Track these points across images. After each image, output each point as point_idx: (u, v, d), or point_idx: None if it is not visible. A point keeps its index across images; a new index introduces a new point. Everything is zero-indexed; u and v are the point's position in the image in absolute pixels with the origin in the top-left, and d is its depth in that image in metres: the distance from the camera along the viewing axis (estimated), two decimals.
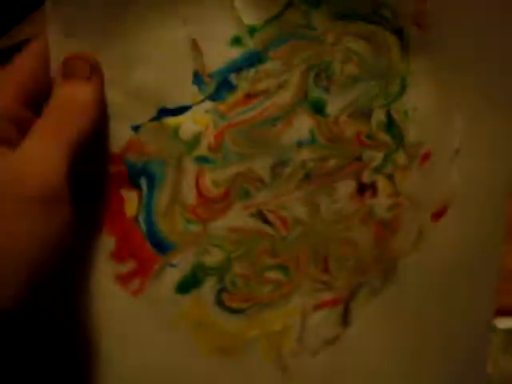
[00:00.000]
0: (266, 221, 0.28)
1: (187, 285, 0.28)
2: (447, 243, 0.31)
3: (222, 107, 0.27)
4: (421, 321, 0.31)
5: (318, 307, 0.30)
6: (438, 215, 0.31)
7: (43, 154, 0.23)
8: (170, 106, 0.27)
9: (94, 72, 0.25)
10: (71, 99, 0.25)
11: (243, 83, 0.27)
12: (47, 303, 0.25)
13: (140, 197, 0.27)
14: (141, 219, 0.27)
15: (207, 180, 0.27)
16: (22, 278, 0.21)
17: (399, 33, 0.28)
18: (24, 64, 0.25)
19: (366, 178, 0.29)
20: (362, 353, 0.31)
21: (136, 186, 0.27)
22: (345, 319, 0.31)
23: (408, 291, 0.31)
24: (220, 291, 0.28)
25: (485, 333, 0.33)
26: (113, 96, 0.26)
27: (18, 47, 0.26)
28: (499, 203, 0.31)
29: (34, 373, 0.26)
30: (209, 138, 0.27)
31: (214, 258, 0.28)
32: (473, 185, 0.31)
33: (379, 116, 0.29)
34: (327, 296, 0.30)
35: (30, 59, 0.25)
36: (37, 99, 0.25)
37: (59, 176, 0.23)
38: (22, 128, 0.24)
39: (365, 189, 0.30)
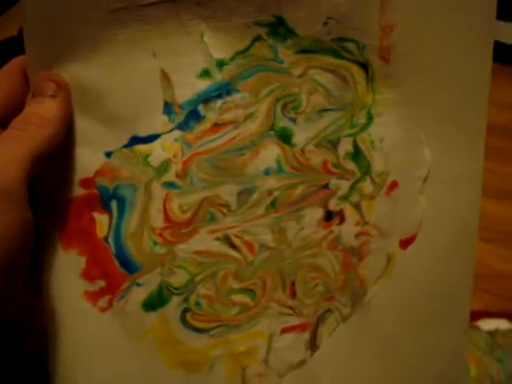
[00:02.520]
0: (231, 245, 0.30)
1: (153, 303, 0.30)
2: (417, 270, 0.32)
3: (189, 136, 0.29)
4: (390, 347, 0.32)
5: (284, 331, 0.31)
6: (406, 243, 0.32)
7: (1, 159, 0.25)
8: (142, 134, 0.29)
9: (60, 91, 0.27)
10: (35, 114, 0.27)
11: (211, 113, 0.29)
12: (17, 317, 0.27)
13: (111, 219, 0.29)
14: (110, 240, 0.29)
15: (174, 205, 0.29)
16: None
17: (364, 66, 0.29)
18: (0, 83, 0.28)
19: (333, 205, 0.31)
20: (329, 378, 0.32)
21: (107, 208, 0.29)
22: (312, 344, 0.32)
23: (377, 318, 0.32)
24: (184, 311, 0.30)
25: (458, 356, 0.33)
26: (87, 123, 0.28)
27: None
28: (468, 229, 0.32)
29: None
30: (177, 165, 0.29)
31: (179, 279, 0.30)
32: (441, 212, 0.32)
33: (346, 146, 0.30)
34: (294, 321, 0.31)
35: (7, 79, 0.28)
36: (11, 117, 0.28)
37: (15, 178, 0.25)
38: None
39: (332, 216, 0.31)
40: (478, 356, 0.43)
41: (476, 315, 0.47)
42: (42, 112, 0.27)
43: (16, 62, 0.29)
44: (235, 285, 0.30)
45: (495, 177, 0.62)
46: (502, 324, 0.47)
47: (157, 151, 0.29)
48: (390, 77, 0.30)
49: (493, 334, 0.45)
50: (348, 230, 0.31)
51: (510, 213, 0.60)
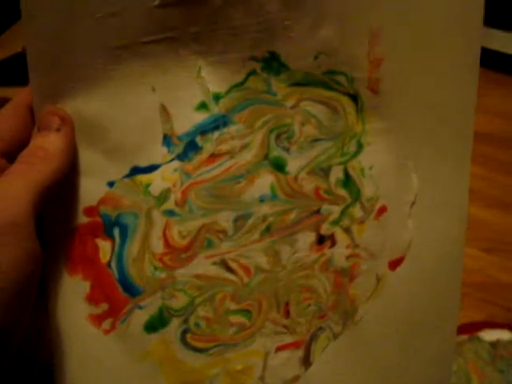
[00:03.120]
0: (228, 269, 0.32)
1: (154, 325, 0.31)
2: (405, 290, 0.34)
3: (188, 166, 0.30)
4: (381, 364, 0.34)
5: (279, 349, 0.33)
6: (395, 264, 0.33)
7: (8, 191, 0.27)
8: (142, 164, 0.30)
9: (64, 125, 0.29)
10: (41, 147, 0.28)
11: (208, 145, 0.30)
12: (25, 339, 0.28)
13: (113, 245, 0.31)
14: (113, 265, 0.31)
15: (174, 231, 0.31)
16: None
17: (354, 97, 0.31)
18: (7, 117, 0.29)
19: (325, 230, 0.32)
20: None
21: (110, 235, 0.30)
22: (306, 361, 0.33)
23: (368, 335, 0.34)
24: (184, 332, 0.32)
25: (447, 373, 0.35)
26: (91, 154, 0.30)
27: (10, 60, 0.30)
28: (456, 250, 0.34)
29: None
30: (176, 194, 0.31)
31: (179, 301, 0.31)
32: (428, 234, 0.33)
33: (337, 173, 0.32)
34: (289, 339, 0.33)
35: (14, 113, 0.30)
36: (18, 151, 0.29)
37: (23, 211, 0.26)
38: None
39: (324, 240, 0.32)
40: (480, 366, 0.44)
41: (478, 326, 0.48)
42: (47, 146, 0.28)
43: (23, 96, 0.30)
44: (232, 306, 0.32)
45: (498, 188, 0.64)
46: (504, 335, 0.48)
47: (157, 181, 0.30)
48: (378, 107, 0.31)
49: (495, 344, 0.46)
50: (339, 253, 0.33)
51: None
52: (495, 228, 0.59)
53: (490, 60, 0.71)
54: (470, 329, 0.48)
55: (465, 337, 0.46)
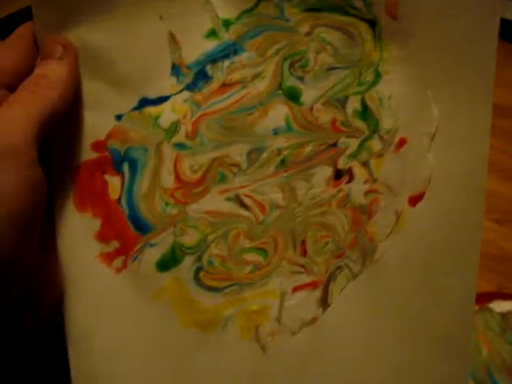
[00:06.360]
0: (242, 205, 0.31)
1: (166, 263, 0.31)
2: (426, 227, 0.33)
3: (198, 97, 0.30)
4: (400, 303, 0.33)
5: (296, 289, 0.32)
6: (415, 200, 0.32)
7: (9, 117, 0.26)
8: (151, 96, 0.30)
9: (67, 53, 0.28)
10: (43, 76, 0.28)
11: (219, 74, 0.29)
12: (32, 280, 0.28)
13: (123, 181, 0.30)
14: (123, 202, 0.30)
15: (185, 165, 0.30)
16: None
17: (372, 23, 0.30)
18: (11, 49, 0.29)
19: (342, 164, 0.31)
20: (341, 334, 0.33)
21: (119, 170, 0.30)
22: (323, 301, 0.33)
23: (387, 274, 0.33)
24: (198, 270, 0.31)
25: (467, 315, 0.34)
26: (97, 86, 0.29)
27: (15, 17, 0.29)
28: (477, 186, 0.33)
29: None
30: (187, 126, 0.30)
31: (191, 238, 0.31)
32: (449, 169, 0.32)
33: (354, 104, 0.31)
34: (306, 279, 0.32)
35: (17, 45, 0.29)
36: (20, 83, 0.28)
37: (23, 137, 0.26)
38: None
39: (341, 174, 0.32)
40: (489, 337, 0.44)
41: (488, 297, 0.48)
42: (49, 73, 0.28)
43: (26, 28, 0.29)
44: (247, 244, 0.31)
45: (504, 157, 0.62)
46: None
47: (166, 113, 0.30)
48: (397, 34, 0.30)
49: (505, 315, 0.46)
50: (357, 188, 0.32)
51: None
52: (509, 200, 0.58)
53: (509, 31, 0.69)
54: (480, 299, 0.47)
55: (476, 307, 0.46)
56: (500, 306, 0.46)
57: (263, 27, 0.30)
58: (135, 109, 0.30)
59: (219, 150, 0.30)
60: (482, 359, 0.44)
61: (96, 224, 0.30)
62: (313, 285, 0.33)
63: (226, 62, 0.30)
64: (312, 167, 0.31)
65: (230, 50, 0.29)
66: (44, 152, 0.28)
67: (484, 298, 0.48)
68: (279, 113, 0.30)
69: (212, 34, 0.29)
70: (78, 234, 0.30)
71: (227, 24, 0.29)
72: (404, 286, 0.33)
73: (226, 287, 0.32)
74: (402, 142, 0.32)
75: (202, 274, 0.31)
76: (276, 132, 0.31)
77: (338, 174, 0.32)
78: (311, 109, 0.31)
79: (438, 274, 0.33)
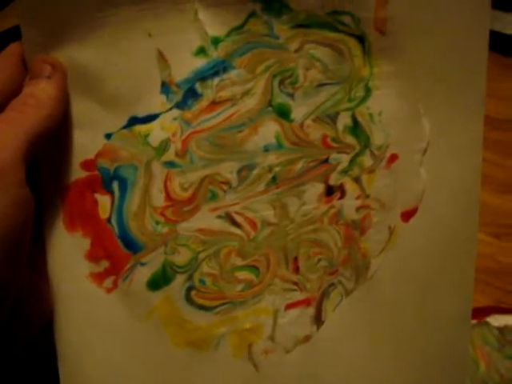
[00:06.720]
0: (233, 222, 0.31)
1: (157, 282, 0.30)
2: (420, 242, 0.33)
3: (188, 115, 0.30)
4: (395, 320, 0.33)
5: (289, 306, 0.32)
6: (408, 215, 0.32)
7: None
8: (140, 114, 0.29)
9: (56, 72, 0.28)
10: (31, 95, 0.28)
11: (208, 91, 0.29)
12: (22, 300, 0.28)
13: (113, 200, 0.30)
14: (113, 221, 0.30)
15: (175, 183, 0.30)
16: None
17: (361, 38, 0.30)
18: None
19: (334, 180, 0.31)
20: (336, 352, 0.33)
21: (109, 189, 0.30)
22: (317, 319, 0.32)
23: (381, 291, 0.33)
24: (189, 289, 0.31)
25: (463, 331, 0.34)
26: (86, 105, 0.29)
27: (3, 36, 0.29)
28: (470, 199, 0.33)
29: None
30: (176, 144, 0.30)
31: (182, 257, 0.30)
32: (442, 183, 0.32)
33: (345, 120, 0.31)
34: (299, 296, 0.32)
35: (6, 64, 0.29)
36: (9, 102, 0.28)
37: (11, 157, 0.25)
38: None
39: (333, 191, 0.31)
40: (487, 352, 0.44)
41: (486, 311, 0.48)
42: (38, 93, 0.28)
43: (14, 47, 0.29)
44: (239, 262, 0.31)
45: (499, 170, 0.62)
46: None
47: (156, 131, 0.30)
48: (386, 49, 0.30)
49: (502, 330, 0.46)
50: (349, 204, 0.32)
51: None
52: (506, 214, 0.58)
53: (502, 44, 0.70)
54: (478, 314, 0.47)
55: (473, 322, 0.46)
56: (498, 321, 0.46)
57: (252, 44, 0.30)
58: (125, 127, 0.30)
59: (209, 167, 0.30)
60: (480, 374, 0.43)
61: (86, 243, 0.30)
62: (306, 302, 0.32)
63: (216, 80, 0.30)
64: (303, 184, 0.31)
65: (219, 68, 0.29)
66: (33, 171, 0.28)
67: (481, 313, 0.48)
68: (269, 130, 0.30)
69: (201, 51, 0.29)
70: (68, 254, 0.30)
71: (216, 41, 0.29)
72: (398, 303, 0.33)
73: (217, 306, 0.31)
74: (394, 158, 0.32)
75: (193, 292, 0.31)
76: (266, 149, 0.30)
77: (329, 191, 0.32)
78: (302, 125, 0.31)
79: (432, 289, 0.33)
